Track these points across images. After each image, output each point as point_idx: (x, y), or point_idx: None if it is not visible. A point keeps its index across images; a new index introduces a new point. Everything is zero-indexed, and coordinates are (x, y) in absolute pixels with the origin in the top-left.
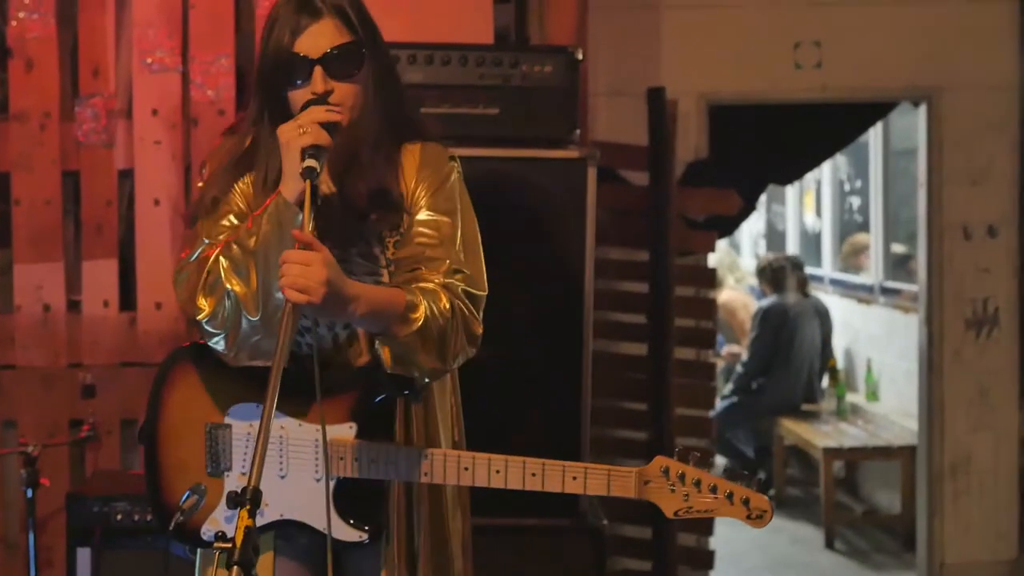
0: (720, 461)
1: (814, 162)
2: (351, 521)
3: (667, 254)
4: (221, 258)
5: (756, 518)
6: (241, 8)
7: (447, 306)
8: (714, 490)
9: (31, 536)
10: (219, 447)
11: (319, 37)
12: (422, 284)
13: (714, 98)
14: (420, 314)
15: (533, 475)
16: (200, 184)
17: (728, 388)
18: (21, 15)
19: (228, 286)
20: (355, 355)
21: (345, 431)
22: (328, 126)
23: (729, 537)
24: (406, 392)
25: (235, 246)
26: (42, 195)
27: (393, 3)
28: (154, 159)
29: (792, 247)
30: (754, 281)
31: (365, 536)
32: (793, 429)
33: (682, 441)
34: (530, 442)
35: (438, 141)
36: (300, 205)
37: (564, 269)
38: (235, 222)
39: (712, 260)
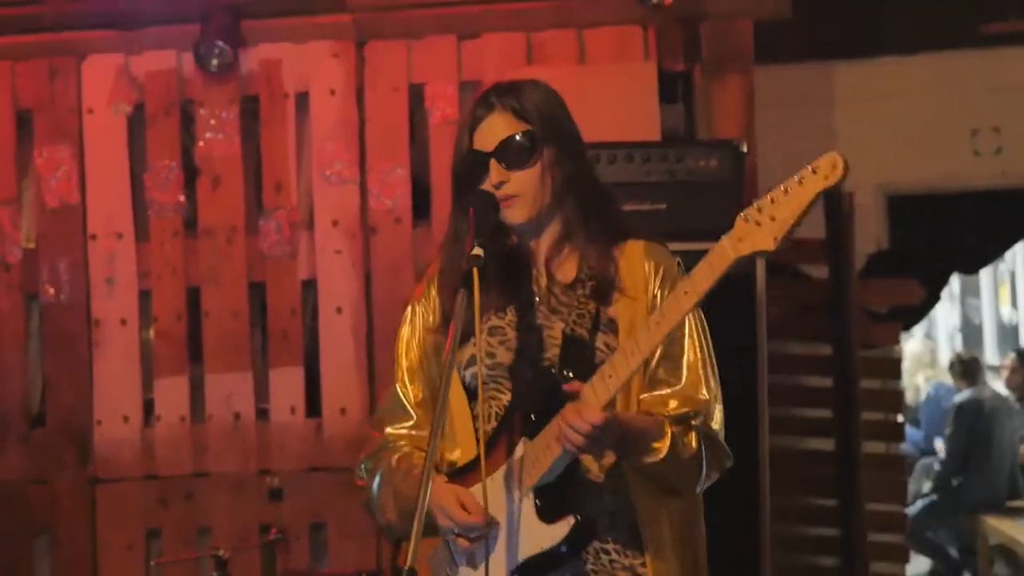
0: (922, 560)
1: (1000, 249)
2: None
3: (850, 347)
4: (382, 475)
5: (832, 171)
6: (415, 120)
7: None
8: (787, 191)
9: None
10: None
11: (492, 130)
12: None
13: (892, 188)
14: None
15: (657, 324)
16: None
17: (928, 486)
18: (208, 135)
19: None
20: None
21: (521, 447)
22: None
23: None
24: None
25: (394, 493)
26: (230, 307)
27: None
28: (336, 268)
29: (989, 340)
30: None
31: (570, 523)
32: (998, 527)
33: (875, 537)
34: (709, 539)
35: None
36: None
37: (736, 363)
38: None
39: (908, 353)
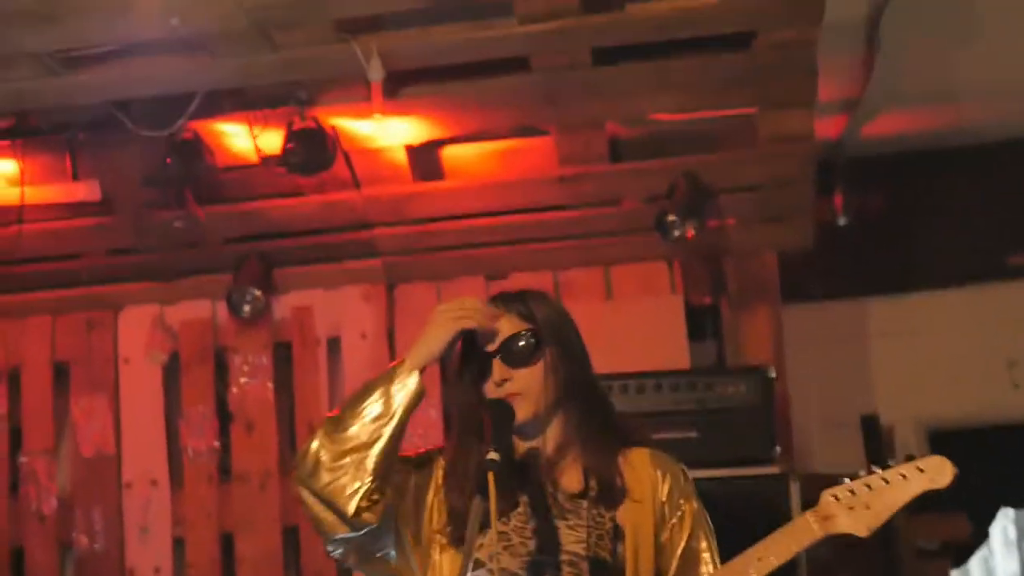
0: None
1: None
2: None
3: None
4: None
5: (940, 476)
6: (445, 359)
7: None
8: (887, 482)
9: None
10: None
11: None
12: None
13: (932, 423)
14: None
15: None
16: None
17: None
18: (242, 381)
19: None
20: None
21: None
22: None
23: None
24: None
25: None
26: (264, 552)
27: (590, 339)
28: None
29: None
30: None
31: None
32: None
33: None
34: None
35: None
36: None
37: None
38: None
39: None
